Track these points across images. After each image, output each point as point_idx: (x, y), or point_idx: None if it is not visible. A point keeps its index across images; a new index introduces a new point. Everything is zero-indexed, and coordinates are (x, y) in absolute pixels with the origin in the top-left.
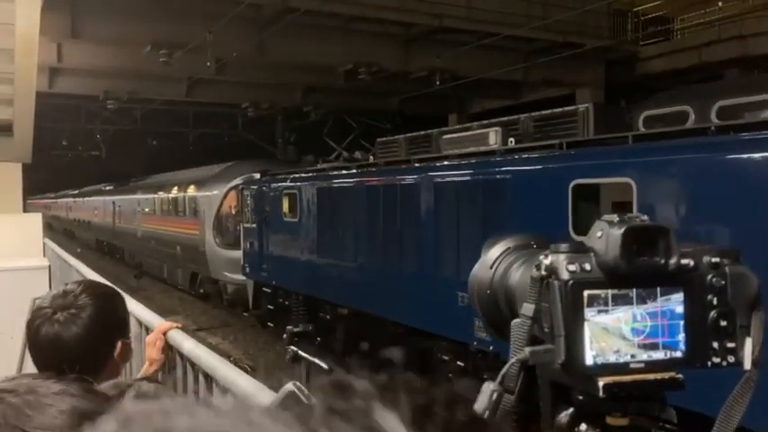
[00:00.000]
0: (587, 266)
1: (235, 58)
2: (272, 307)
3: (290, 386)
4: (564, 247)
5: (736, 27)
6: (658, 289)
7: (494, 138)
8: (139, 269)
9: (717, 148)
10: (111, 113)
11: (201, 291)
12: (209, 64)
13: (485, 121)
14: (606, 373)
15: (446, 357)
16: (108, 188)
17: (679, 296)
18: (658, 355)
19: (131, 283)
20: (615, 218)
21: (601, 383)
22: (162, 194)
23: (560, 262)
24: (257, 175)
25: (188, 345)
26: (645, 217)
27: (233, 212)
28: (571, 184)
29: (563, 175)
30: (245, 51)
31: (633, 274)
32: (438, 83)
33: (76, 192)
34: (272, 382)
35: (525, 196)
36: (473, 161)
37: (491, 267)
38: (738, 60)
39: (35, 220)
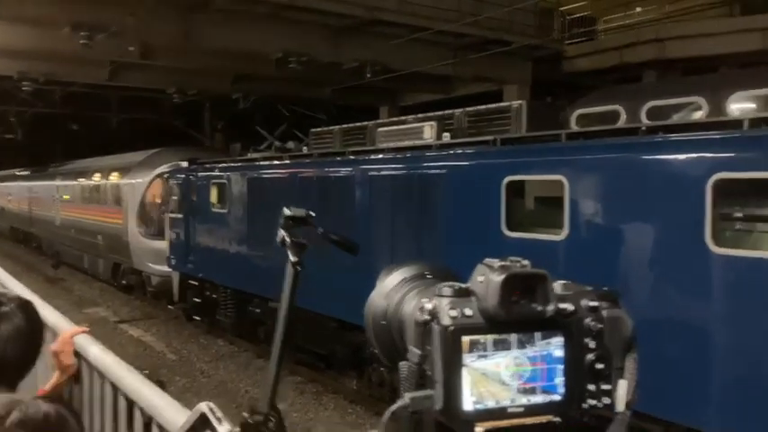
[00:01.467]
0: (468, 312)
1: (161, 42)
2: (198, 300)
3: (201, 406)
4: (447, 291)
5: (653, 30)
6: (538, 334)
7: (429, 132)
8: (57, 258)
9: (647, 148)
10: (28, 95)
11: (124, 282)
12: (131, 48)
13: (420, 115)
14: (485, 418)
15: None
16: (24, 173)
17: (559, 340)
18: (537, 399)
19: (49, 272)
20: (496, 263)
21: (479, 429)
22: (83, 181)
23: (442, 307)
24: (184, 164)
25: (94, 351)
26: (525, 262)
27: (158, 202)
28: (505, 181)
29: (497, 171)
30: (171, 36)
31: (512, 320)
32: (369, 75)
33: None
34: (192, 377)
35: (460, 191)
36: (409, 155)
37: (386, 297)
38: (656, 62)
39: None
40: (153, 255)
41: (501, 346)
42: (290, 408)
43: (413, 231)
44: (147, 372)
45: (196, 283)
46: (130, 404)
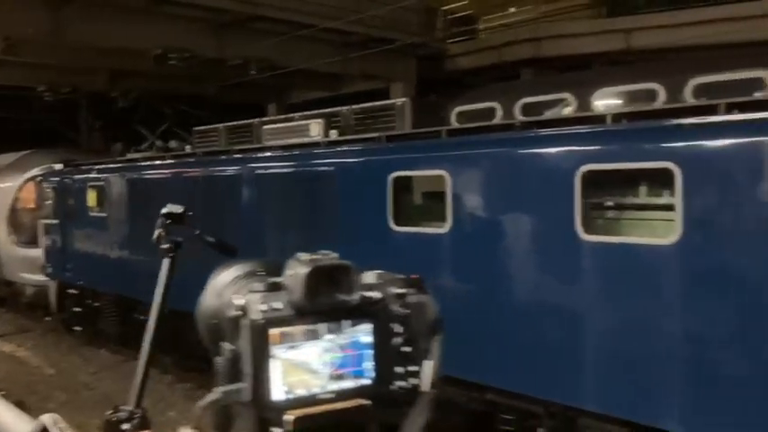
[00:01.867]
0: (278, 305)
1: (28, 37)
2: (78, 309)
3: (43, 418)
4: (258, 286)
5: (530, 30)
6: (346, 322)
7: (316, 129)
8: None
9: (521, 143)
10: None
11: None
12: None
13: (307, 113)
14: (295, 406)
15: None
16: None
17: (367, 327)
18: (347, 384)
19: None
20: (306, 257)
21: (288, 418)
22: None
23: (252, 302)
24: (59, 166)
25: None
26: (334, 255)
27: (31, 207)
28: (391, 177)
29: (383, 167)
30: (38, 30)
31: (320, 311)
32: (254, 72)
33: None
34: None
35: (348, 188)
36: (296, 153)
37: (217, 296)
38: (533, 61)
39: None
40: (26, 264)
41: (310, 335)
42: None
43: (302, 229)
44: (3, 392)
45: (76, 292)
46: None
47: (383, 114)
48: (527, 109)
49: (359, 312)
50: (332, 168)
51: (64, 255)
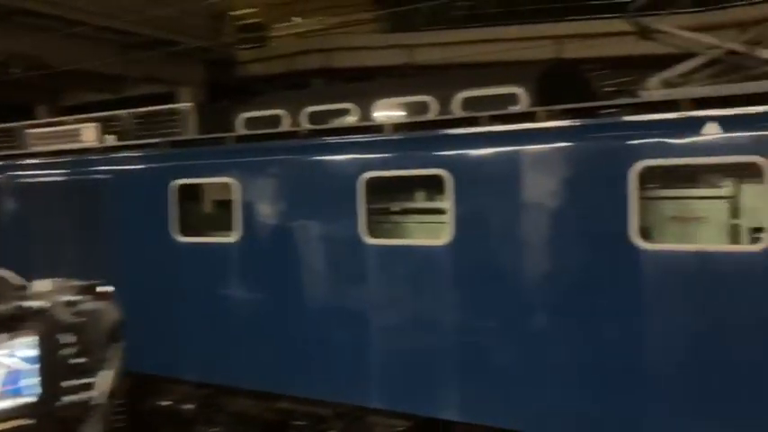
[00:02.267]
0: None
1: None
2: None
3: None
4: None
5: (320, 41)
6: (3, 335)
7: (90, 134)
8: None
9: (308, 150)
10: None
11: None
12: None
13: (81, 116)
14: None
15: None
16: None
17: (30, 340)
18: (6, 403)
19: None
20: None
21: None
22: None
23: None
24: None
25: None
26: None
27: None
28: (174, 184)
29: (166, 175)
30: None
31: None
32: (19, 70)
33: None
34: None
35: (126, 197)
36: (68, 159)
37: None
38: (323, 71)
39: None
40: None
41: None
42: None
43: (76, 242)
44: None
45: None
46: None
47: (167, 119)
48: (314, 117)
49: (22, 324)
50: (108, 176)
51: None
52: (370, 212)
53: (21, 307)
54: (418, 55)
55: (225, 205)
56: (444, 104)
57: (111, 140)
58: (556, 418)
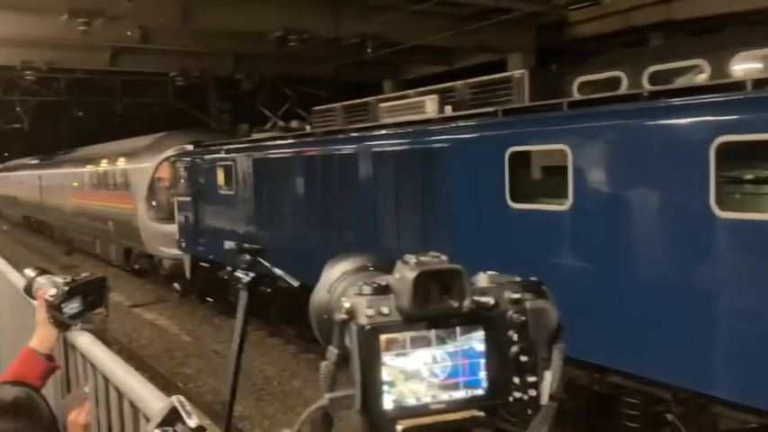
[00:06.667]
0: (385, 310)
1: (159, 25)
2: (209, 282)
3: (173, 400)
4: (366, 289)
5: None
6: (458, 329)
7: (431, 105)
8: (69, 245)
9: (649, 114)
10: (33, 84)
11: (136, 266)
12: (130, 33)
13: (421, 89)
14: (406, 416)
15: None
16: (33, 162)
17: (479, 334)
18: (459, 394)
19: (62, 259)
20: (413, 259)
21: (399, 428)
22: (91, 168)
23: (359, 305)
24: (190, 147)
25: (84, 343)
26: (443, 257)
27: (166, 185)
28: (508, 152)
29: (500, 142)
30: (169, 19)
31: (429, 317)
32: (370, 50)
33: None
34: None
35: (463, 165)
36: (411, 130)
37: (328, 291)
38: (662, 24)
39: None
40: (164, 238)
41: (420, 343)
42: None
43: (417, 206)
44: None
45: (207, 265)
46: (120, 396)
47: (500, 88)
48: (656, 77)
49: (471, 319)
50: (446, 145)
51: (196, 230)
52: (723, 181)
53: (476, 303)
54: None
55: (554, 172)
56: None
57: (448, 111)
58: None
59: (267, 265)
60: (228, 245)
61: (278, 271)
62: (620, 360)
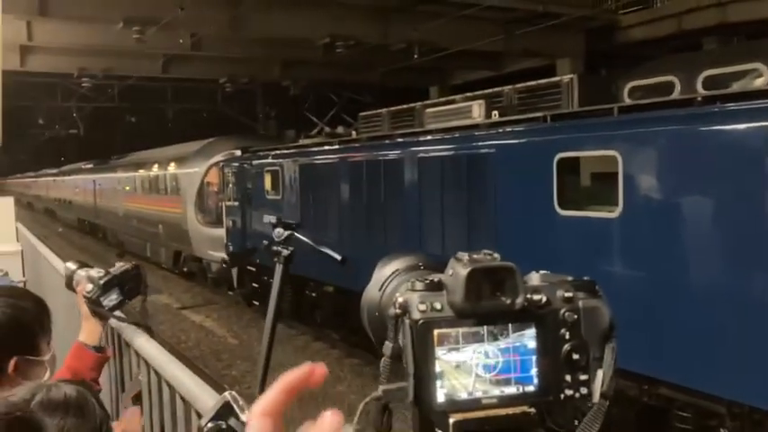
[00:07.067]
0: (438, 305)
1: (210, 33)
2: (256, 285)
3: (226, 395)
4: (419, 285)
5: None
6: (510, 326)
7: (477, 110)
8: (121, 248)
9: (703, 119)
10: (88, 91)
11: (185, 269)
12: (182, 40)
13: (468, 94)
14: (457, 410)
15: None
16: (88, 166)
17: (531, 332)
18: (511, 390)
19: (114, 262)
20: (466, 256)
21: (451, 420)
22: (142, 172)
23: (412, 301)
24: (238, 152)
25: (139, 341)
26: (496, 255)
27: (214, 190)
28: (556, 158)
29: (548, 148)
30: (219, 26)
31: (481, 314)
32: (417, 55)
33: (56, 171)
34: (253, 361)
35: (510, 170)
36: (457, 135)
37: (380, 289)
38: (717, 28)
39: (7, 204)
40: (212, 242)
41: (472, 338)
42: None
43: (463, 212)
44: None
45: (253, 269)
46: (173, 392)
47: (548, 93)
48: (710, 82)
49: (523, 316)
50: (492, 150)
51: (243, 234)
52: None
53: (528, 301)
54: None
55: (603, 179)
56: None
57: (495, 116)
58: None
59: (305, 240)
60: (267, 218)
61: (320, 247)
62: (671, 372)
